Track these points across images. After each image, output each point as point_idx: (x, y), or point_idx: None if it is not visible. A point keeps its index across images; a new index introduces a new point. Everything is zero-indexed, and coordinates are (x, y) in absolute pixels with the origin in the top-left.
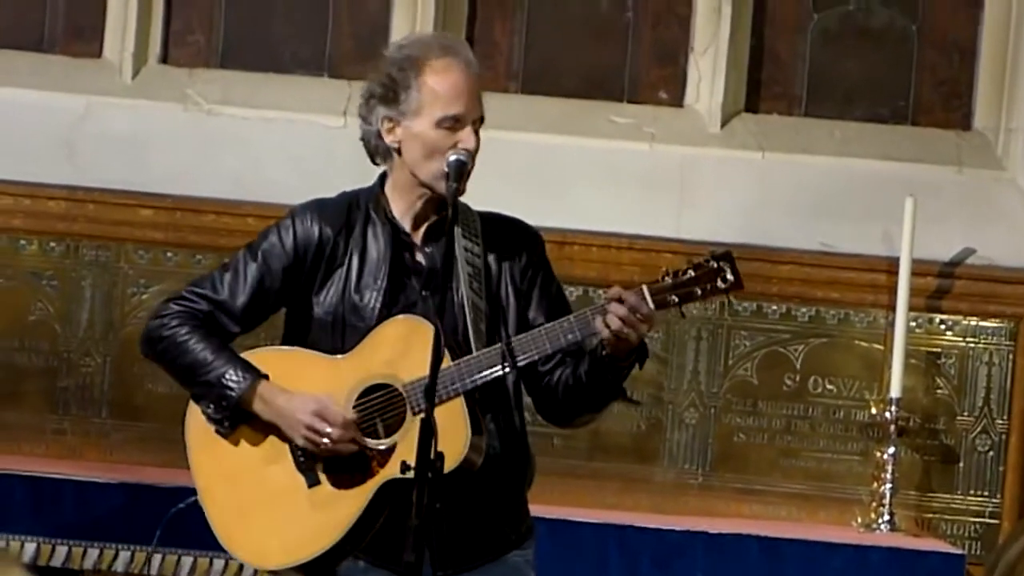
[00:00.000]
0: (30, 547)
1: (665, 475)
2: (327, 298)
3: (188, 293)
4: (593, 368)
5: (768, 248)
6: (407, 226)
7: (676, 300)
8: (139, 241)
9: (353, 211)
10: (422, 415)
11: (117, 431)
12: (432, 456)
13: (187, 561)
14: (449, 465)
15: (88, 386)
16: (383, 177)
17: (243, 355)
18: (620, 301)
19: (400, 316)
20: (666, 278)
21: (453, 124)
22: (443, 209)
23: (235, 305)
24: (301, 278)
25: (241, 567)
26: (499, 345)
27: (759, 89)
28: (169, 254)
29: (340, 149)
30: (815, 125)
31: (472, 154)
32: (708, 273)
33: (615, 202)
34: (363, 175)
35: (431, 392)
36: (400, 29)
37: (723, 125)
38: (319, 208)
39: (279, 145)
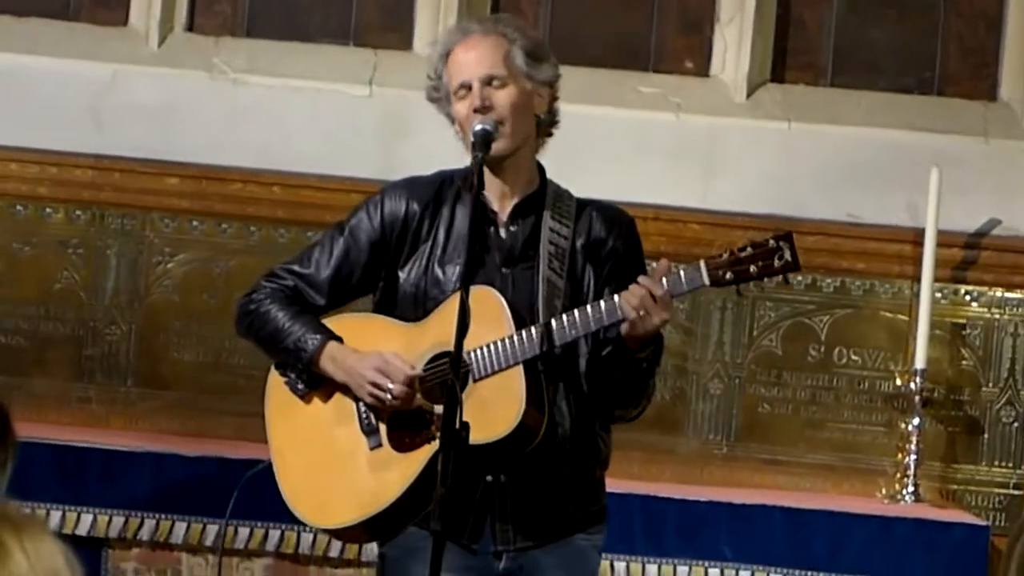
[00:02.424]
0: (55, 515)
1: (689, 445)
2: (412, 271)
3: (278, 269)
4: (611, 355)
5: (794, 219)
6: (495, 203)
7: (731, 277)
8: (165, 210)
9: (445, 188)
10: (481, 381)
11: (142, 400)
12: (457, 426)
13: (212, 529)
14: (498, 433)
15: (113, 354)
16: None
17: (324, 320)
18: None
19: (473, 287)
20: (723, 255)
21: (467, 92)
22: (529, 188)
23: (320, 277)
24: (387, 252)
25: (265, 537)
26: (540, 325)
27: (785, 59)
28: (195, 223)
29: (366, 118)
30: (841, 95)
31: (483, 110)
32: (765, 252)
33: (641, 172)
34: (389, 144)
35: (456, 363)
36: None
37: (749, 95)
38: (410, 185)
39: (305, 114)
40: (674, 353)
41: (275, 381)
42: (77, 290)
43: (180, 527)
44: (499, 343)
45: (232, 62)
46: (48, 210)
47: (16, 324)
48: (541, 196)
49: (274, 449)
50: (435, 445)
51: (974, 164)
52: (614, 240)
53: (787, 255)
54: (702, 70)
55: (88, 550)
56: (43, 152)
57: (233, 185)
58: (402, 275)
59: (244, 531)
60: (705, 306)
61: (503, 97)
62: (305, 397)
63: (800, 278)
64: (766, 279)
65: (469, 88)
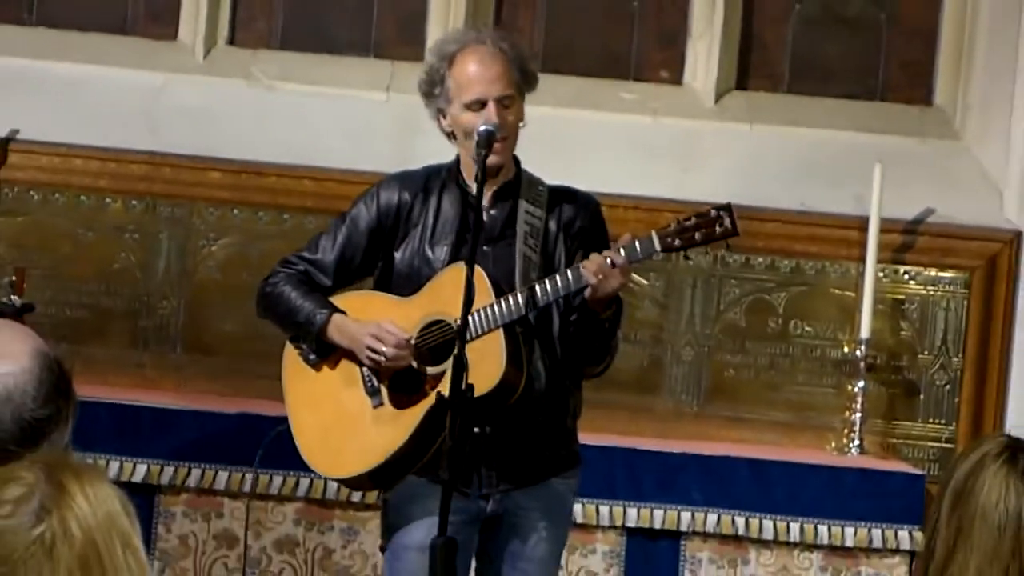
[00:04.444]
0: (113, 465)
1: (665, 405)
2: (405, 253)
3: (291, 256)
4: (578, 318)
5: (756, 208)
6: (475, 191)
7: (679, 244)
8: (209, 200)
9: (432, 179)
10: (468, 344)
11: (189, 364)
12: (463, 387)
13: (250, 477)
14: (482, 389)
15: (165, 325)
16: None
17: (331, 299)
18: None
19: (456, 264)
20: (672, 225)
21: (479, 107)
22: (506, 177)
23: (326, 261)
24: (384, 237)
25: (296, 485)
26: (523, 289)
27: (748, 69)
28: (235, 211)
29: (383, 121)
30: (797, 101)
31: (498, 125)
32: (708, 220)
33: (623, 168)
34: (402, 143)
35: (462, 330)
36: (436, 15)
37: (717, 101)
38: (401, 178)
39: (330, 116)
40: (651, 325)
41: (290, 354)
42: (133, 270)
43: (222, 476)
44: (484, 310)
45: (268, 71)
46: (107, 200)
47: (80, 299)
48: (517, 183)
49: (291, 412)
50: (430, 402)
51: (912, 161)
52: (582, 220)
53: (727, 223)
54: (676, 79)
55: (142, 496)
56: (103, 150)
57: (268, 178)
58: (397, 256)
59: (278, 479)
60: (678, 284)
61: (511, 116)
62: (316, 366)
63: (760, 259)
64: (712, 244)
65: (482, 104)
